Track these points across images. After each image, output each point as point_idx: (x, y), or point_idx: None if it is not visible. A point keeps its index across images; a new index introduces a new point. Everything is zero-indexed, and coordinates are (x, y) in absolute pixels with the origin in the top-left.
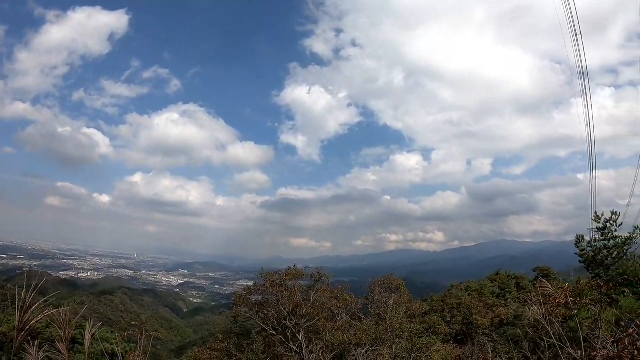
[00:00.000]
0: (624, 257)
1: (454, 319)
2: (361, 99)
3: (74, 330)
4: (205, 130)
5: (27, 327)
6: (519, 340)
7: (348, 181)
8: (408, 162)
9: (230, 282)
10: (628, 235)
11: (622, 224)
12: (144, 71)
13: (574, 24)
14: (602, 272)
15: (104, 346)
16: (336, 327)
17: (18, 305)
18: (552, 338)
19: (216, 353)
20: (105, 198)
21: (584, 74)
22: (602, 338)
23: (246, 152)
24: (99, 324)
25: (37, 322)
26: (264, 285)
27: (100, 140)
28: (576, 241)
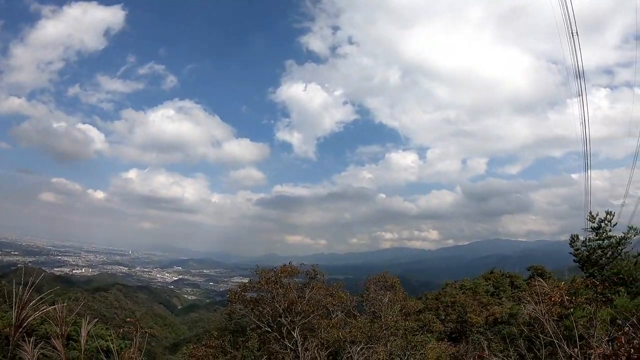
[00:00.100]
0: (618, 257)
1: (448, 317)
2: (357, 97)
3: (69, 327)
4: (201, 127)
5: (25, 324)
6: (515, 338)
7: (343, 179)
8: (404, 160)
9: (225, 279)
10: (622, 235)
11: (616, 224)
12: (140, 67)
13: (570, 24)
14: (596, 271)
15: (98, 343)
16: (331, 325)
17: (15, 302)
18: (547, 336)
19: (211, 350)
20: (100, 194)
21: (580, 74)
22: (597, 337)
23: (242, 148)
24: (95, 320)
25: (34, 319)
26: (259, 282)
27: (95, 136)
28: (571, 241)
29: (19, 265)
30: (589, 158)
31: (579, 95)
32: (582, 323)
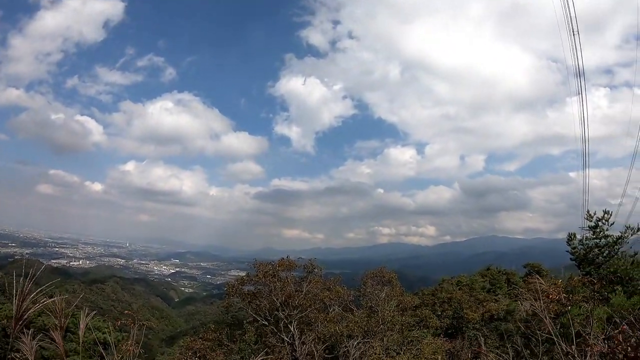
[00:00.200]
0: (615, 256)
1: (444, 313)
2: (357, 92)
3: (67, 319)
4: (199, 119)
5: (25, 317)
6: (511, 334)
7: (341, 173)
8: (402, 155)
9: (222, 272)
10: (619, 234)
11: (613, 223)
12: (139, 59)
13: (571, 23)
14: (592, 270)
15: (96, 335)
16: (328, 319)
17: (15, 295)
18: (544, 333)
19: (208, 343)
20: (97, 186)
21: (580, 73)
22: (593, 334)
23: (240, 142)
24: (93, 312)
25: (34, 311)
26: (257, 275)
27: (93, 128)
28: (568, 239)
29: (16, 257)
30: (587, 157)
31: (579, 94)
32: (579, 321)
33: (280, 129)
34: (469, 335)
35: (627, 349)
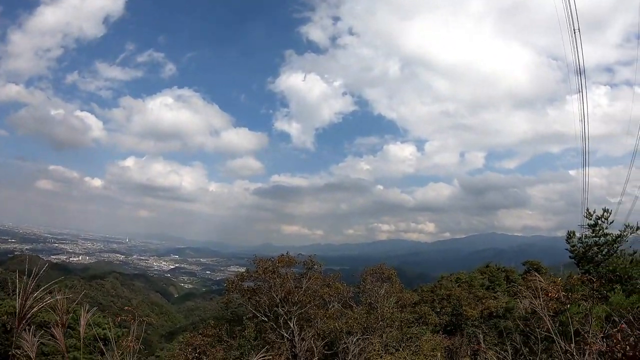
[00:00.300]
0: (614, 255)
1: (443, 310)
2: (356, 88)
3: (69, 316)
4: (199, 115)
5: (28, 316)
6: (510, 332)
7: (341, 170)
8: (402, 152)
9: (222, 268)
10: (619, 233)
11: (613, 221)
12: (139, 54)
13: (572, 21)
14: (592, 268)
15: (96, 331)
16: (328, 315)
17: (19, 293)
18: (543, 331)
19: (208, 339)
20: (97, 182)
21: (580, 71)
22: (592, 333)
23: (240, 138)
24: (94, 308)
25: (37, 310)
26: (257, 271)
27: (93, 124)
28: (567, 237)
29: (16, 253)
30: (587, 155)
31: (579, 92)
32: (577, 319)
33: (280, 125)
34: (468, 333)
35: (626, 347)
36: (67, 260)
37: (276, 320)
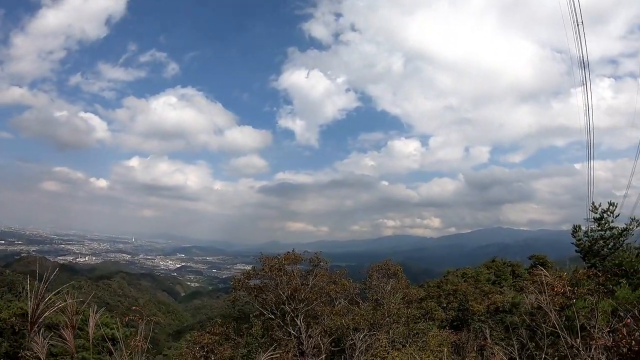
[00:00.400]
0: (620, 248)
1: (450, 305)
2: (360, 84)
3: (77, 316)
4: (203, 114)
5: (40, 320)
6: (516, 327)
7: (345, 166)
8: (406, 148)
9: (228, 266)
10: (625, 226)
11: (618, 215)
12: (142, 55)
13: (575, 13)
14: (598, 262)
15: (104, 331)
16: (334, 312)
17: (30, 298)
18: (549, 326)
19: (215, 337)
20: (102, 182)
21: (584, 64)
22: (598, 327)
23: (244, 136)
24: (102, 309)
25: (49, 314)
26: (263, 269)
27: (97, 125)
28: (573, 231)
29: (22, 255)
30: (592, 148)
31: (583, 84)
32: (583, 314)
33: (284, 122)
34: (475, 328)
35: (631, 342)
36: (74, 261)
37: (283, 318)
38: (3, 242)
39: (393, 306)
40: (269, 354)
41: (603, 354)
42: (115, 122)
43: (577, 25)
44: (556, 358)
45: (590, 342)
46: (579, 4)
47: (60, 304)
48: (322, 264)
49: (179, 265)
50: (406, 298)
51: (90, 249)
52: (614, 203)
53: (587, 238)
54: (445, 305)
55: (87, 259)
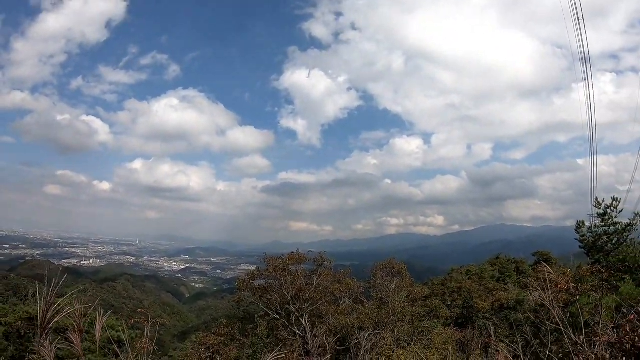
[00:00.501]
0: (624, 244)
1: (454, 303)
2: (361, 83)
3: (85, 319)
4: (205, 115)
5: (50, 326)
6: (521, 324)
7: (348, 165)
8: (408, 145)
9: (232, 267)
10: (628, 221)
11: (622, 210)
12: (142, 57)
13: (576, 8)
14: (602, 258)
15: (110, 333)
16: (339, 311)
17: (40, 305)
18: (553, 323)
19: (221, 338)
20: (105, 185)
21: (585, 59)
22: (602, 324)
23: (246, 136)
24: (108, 312)
25: (59, 318)
26: (267, 270)
27: (99, 128)
28: (576, 227)
29: (27, 259)
30: (594, 143)
31: (585, 80)
32: (587, 310)
33: (286, 122)
34: (479, 325)
35: (635, 338)
36: (78, 264)
37: (288, 318)
38: (7, 246)
39: (397, 305)
40: (275, 354)
41: (607, 350)
42: (117, 124)
43: (578, 20)
44: (560, 355)
45: (594, 339)
46: None
47: (69, 309)
48: (326, 263)
49: (183, 267)
50: (410, 296)
51: (95, 252)
52: (617, 198)
53: (590, 234)
54: (449, 303)
55: (91, 261)
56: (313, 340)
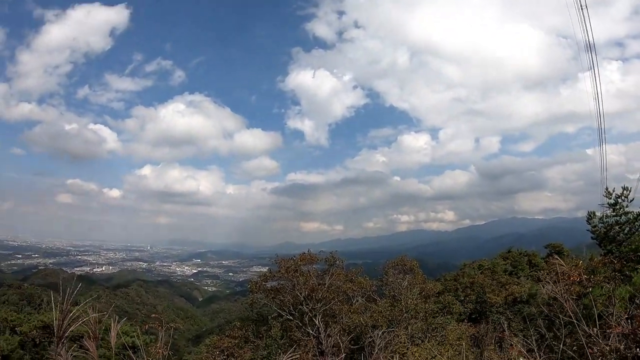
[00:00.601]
0: (636, 233)
1: (467, 298)
2: (367, 81)
3: (100, 325)
4: (212, 119)
5: (66, 335)
6: (534, 318)
7: (356, 163)
8: (416, 142)
9: (244, 269)
10: (639, 210)
11: (633, 199)
12: (147, 64)
13: None
14: (614, 248)
15: (125, 339)
16: (352, 310)
17: (56, 314)
18: (566, 316)
19: (235, 340)
20: (115, 192)
21: (590, 47)
22: (616, 315)
23: (254, 139)
24: (123, 319)
25: (75, 327)
26: (279, 271)
27: (107, 136)
28: (588, 217)
29: (40, 268)
30: (603, 133)
31: (591, 69)
32: (601, 302)
33: (293, 123)
34: (493, 320)
35: None
36: (91, 272)
37: (301, 318)
38: (20, 256)
39: (410, 302)
40: (289, 355)
41: (621, 341)
42: (125, 132)
43: (582, 9)
44: (574, 347)
45: (608, 331)
46: None
47: (85, 317)
48: (337, 262)
49: (195, 271)
50: (423, 293)
51: (107, 259)
52: (627, 187)
53: (602, 224)
54: (462, 299)
55: (103, 268)
56: (327, 340)
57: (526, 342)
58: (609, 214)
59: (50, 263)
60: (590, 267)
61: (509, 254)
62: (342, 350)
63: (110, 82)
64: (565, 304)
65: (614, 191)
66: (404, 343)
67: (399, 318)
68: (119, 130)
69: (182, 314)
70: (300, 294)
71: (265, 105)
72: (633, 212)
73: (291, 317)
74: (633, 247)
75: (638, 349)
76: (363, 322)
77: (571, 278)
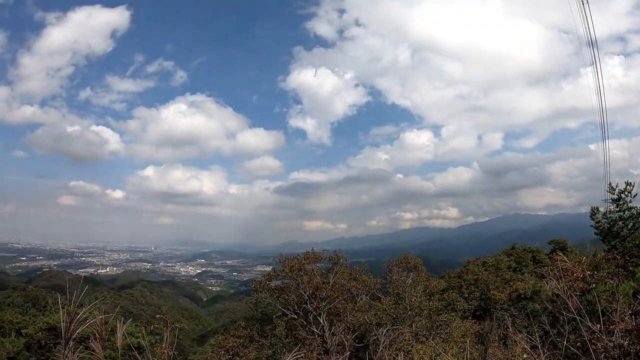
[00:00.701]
0: (639, 228)
1: (471, 295)
2: (368, 79)
3: (106, 326)
4: (214, 119)
5: (73, 337)
6: (538, 314)
7: (359, 161)
8: (418, 139)
9: (248, 269)
10: None
11: (637, 194)
12: (149, 65)
13: None
14: (618, 243)
15: (130, 340)
16: (356, 308)
17: (63, 317)
18: (570, 312)
19: (240, 340)
20: (118, 194)
21: (592, 42)
22: (620, 311)
23: (257, 138)
24: (129, 321)
25: (82, 329)
26: (283, 270)
27: (109, 137)
28: (591, 213)
29: (44, 270)
30: (606, 128)
31: (592, 64)
32: (604, 298)
33: (295, 122)
34: (497, 317)
35: None
36: (95, 273)
37: (306, 317)
38: (24, 258)
39: (415, 299)
40: (294, 354)
41: (625, 337)
42: (127, 133)
43: (583, 4)
44: (578, 344)
45: (612, 327)
46: None
47: (92, 319)
48: (341, 261)
49: (199, 271)
50: (427, 290)
51: (111, 260)
52: (631, 183)
53: (605, 220)
54: (467, 296)
55: (108, 269)
56: (331, 339)
57: (530, 338)
58: (612, 210)
59: (54, 265)
60: (594, 263)
61: (513, 251)
62: (347, 349)
63: (111, 83)
64: (568, 301)
65: (617, 186)
66: (409, 341)
67: (404, 316)
68: (121, 132)
69: (187, 314)
70: (305, 292)
71: (267, 104)
72: (636, 207)
73: (296, 316)
74: (637, 242)
75: None
76: (367, 320)
77: (574, 274)
